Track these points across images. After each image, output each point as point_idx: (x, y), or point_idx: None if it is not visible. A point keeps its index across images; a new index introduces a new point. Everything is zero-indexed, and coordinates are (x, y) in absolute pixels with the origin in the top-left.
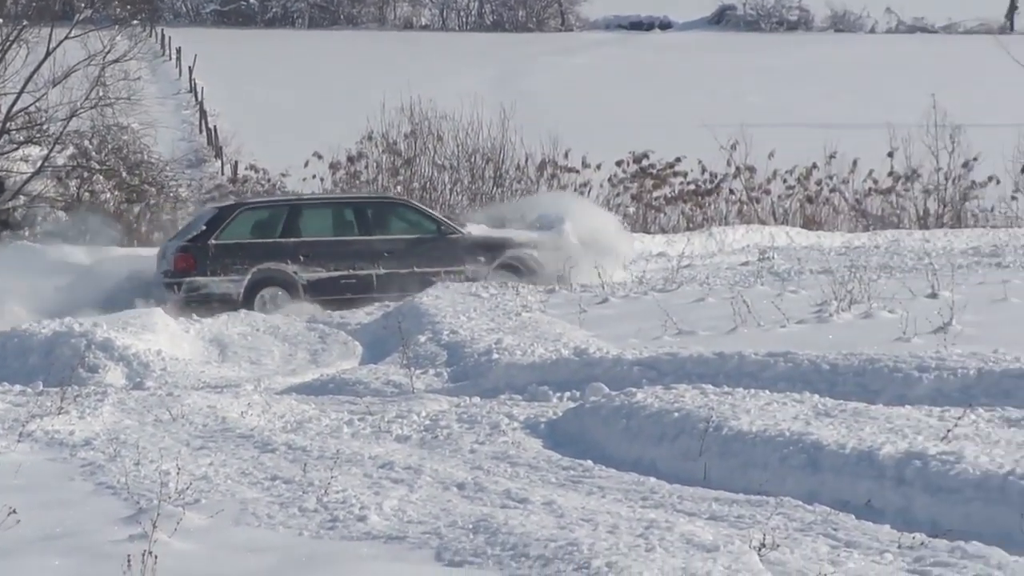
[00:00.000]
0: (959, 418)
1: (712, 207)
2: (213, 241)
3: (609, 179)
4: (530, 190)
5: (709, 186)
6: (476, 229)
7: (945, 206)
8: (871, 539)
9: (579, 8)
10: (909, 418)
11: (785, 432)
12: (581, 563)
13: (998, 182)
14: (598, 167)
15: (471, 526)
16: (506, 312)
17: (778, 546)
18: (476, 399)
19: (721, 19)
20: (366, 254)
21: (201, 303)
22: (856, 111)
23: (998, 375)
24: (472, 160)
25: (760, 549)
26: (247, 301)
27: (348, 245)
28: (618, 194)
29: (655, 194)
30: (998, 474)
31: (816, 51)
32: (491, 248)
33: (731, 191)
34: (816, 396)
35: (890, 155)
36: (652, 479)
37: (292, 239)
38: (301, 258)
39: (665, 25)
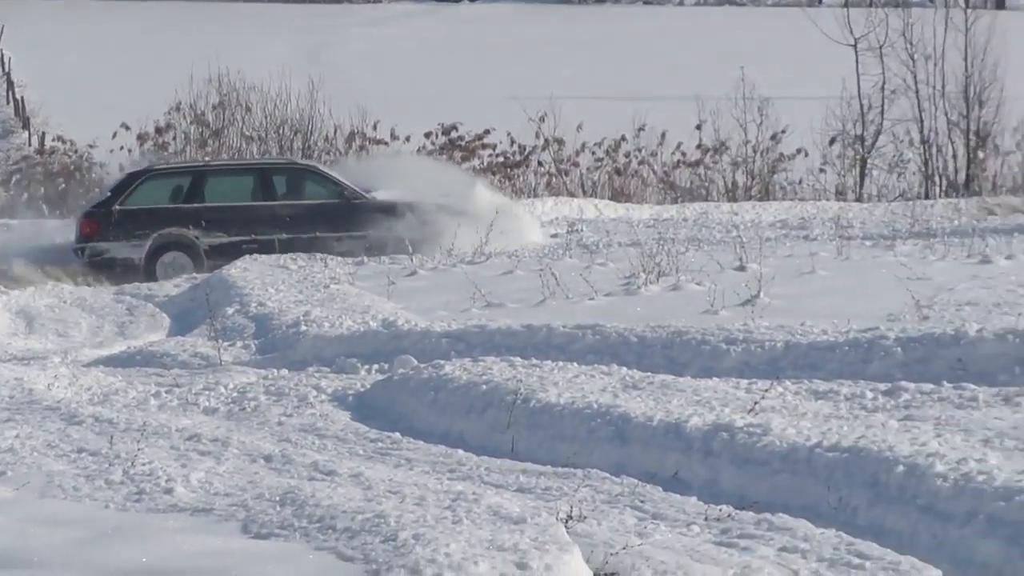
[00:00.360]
0: (766, 390)
1: (521, 179)
2: (117, 207)
3: (418, 151)
4: (339, 161)
5: (518, 158)
6: (382, 194)
7: (753, 178)
8: (678, 511)
9: None
10: (716, 390)
11: (593, 404)
12: (388, 535)
13: (806, 154)
14: (407, 139)
15: (278, 498)
16: (314, 284)
17: (585, 518)
18: (284, 371)
19: None
20: (268, 219)
21: (103, 268)
22: (665, 84)
23: (805, 347)
24: (281, 131)
25: (567, 521)
26: (148, 266)
27: (251, 210)
28: None
29: (464, 166)
30: (805, 446)
31: (626, 24)
32: (395, 212)
33: (540, 163)
34: (624, 368)
35: (698, 128)
36: (460, 451)
37: (195, 204)
38: (203, 223)
39: None
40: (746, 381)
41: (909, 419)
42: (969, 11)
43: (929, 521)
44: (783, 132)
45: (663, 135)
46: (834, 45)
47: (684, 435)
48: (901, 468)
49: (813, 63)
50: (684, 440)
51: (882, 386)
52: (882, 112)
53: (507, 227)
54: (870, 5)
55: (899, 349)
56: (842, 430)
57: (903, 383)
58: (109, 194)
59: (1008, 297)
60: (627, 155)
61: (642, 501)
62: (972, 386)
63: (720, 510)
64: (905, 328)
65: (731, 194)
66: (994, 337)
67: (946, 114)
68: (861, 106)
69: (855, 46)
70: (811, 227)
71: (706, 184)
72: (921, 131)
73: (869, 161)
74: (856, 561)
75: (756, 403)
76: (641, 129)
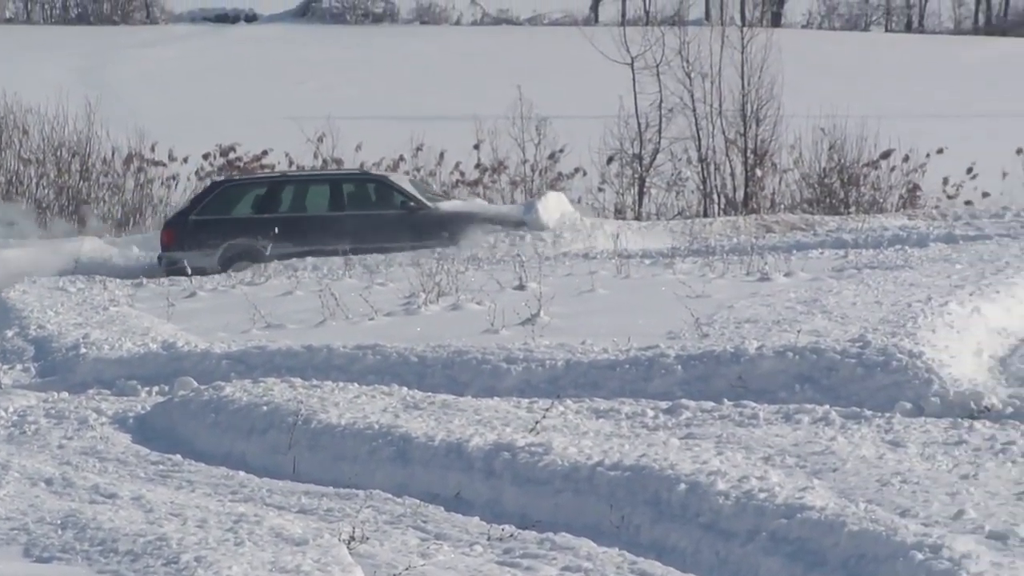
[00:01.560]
0: (547, 409)
1: None
2: (193, 217)
3: (196, 172)
4: (117, 184)
5: None
6: (447, 204)
7: (532, 197)
8: (461, 531)
9: (164, 1)
10: (498, 410)
11: (374, 425)
12: (170, 558)
13: (584, 173)
14: (185, 160)
15: (59, 521)
16: (94, 307)
17: (367, 539)
18: (64, 394)
19: (307, 11)
20: (334, 230)
21: (181, 276)
22: (443, 103)
23: (586, 366)
24: (58, 154)
25: (349, 542)
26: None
27: (318, 221)
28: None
29: None
30: (587, 465)
31: (403, 44)
32: (457, 223)
33: None
34: (405, 389)
35: (476, 147)
36: (242, 473)
37: (265, 215)
38: (273, 234)
39: (251, 18)
40: (527, 400)
41: (690, 437)
42: (745, 29)
43: (712, 539)
44: (561, 151)
45: (442, 154)
46: (611, 64)
47: (466, 455)
48: (683, 486)
49: (591, 82)
50: (466, 460)
51: (663, 404)
52: (660, 130)
53: (573, 235)
54: (647, 24)
55: (680, 367)
56: (624, 448)
57: (684, 401)
58: (187, 204)
59: (787, 314)
60: (406, 174)
61: (424, 521)
62: (753, 403)
63: (503, 530)
64: (685, 346)
65: None
66: (773, 354)
67: (724, 132)
68: (639, 124)
69: (632, 64)
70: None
71: None
72: (699, 149)
73: (647, 180)
74: None
75: (537, 422)
76: (419, 149)
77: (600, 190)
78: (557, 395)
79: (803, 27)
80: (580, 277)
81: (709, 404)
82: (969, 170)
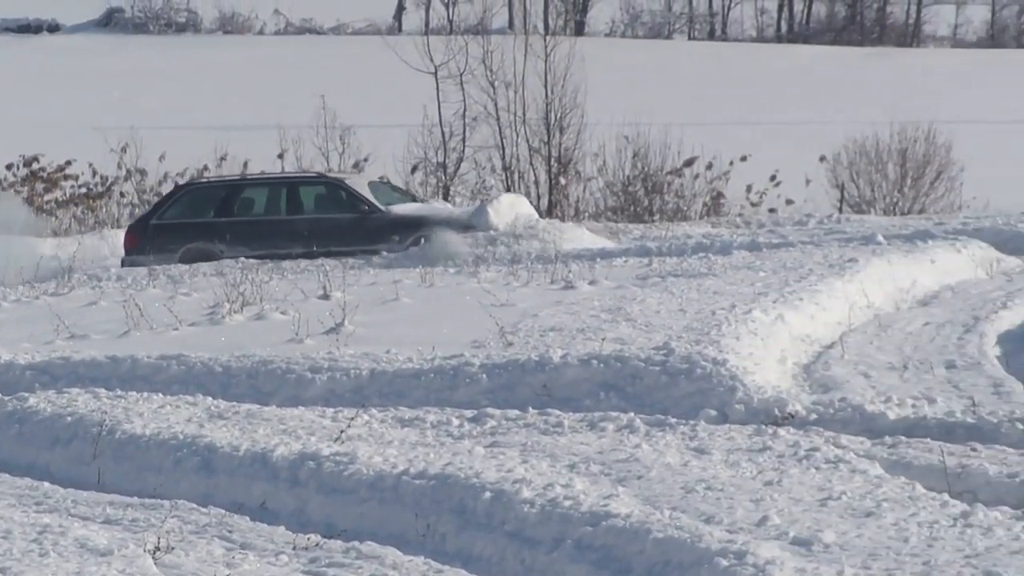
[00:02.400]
0: (352, 419)
1: (104, 210)
2: (154, 221)
3: None
4: None
5: (100, 189)
6: (400, 207)
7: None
8: (266, 541)
9: None
10: (303, 419)
11: (179, 435)
12: None
13: (389, 182)
14: None
15: None
16: None
17: (173, 549)
18: None
19: (109, 21)
20: (288, 234)
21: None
22: (248, 113)
23: (391, 375)
24: None
25: (155, 552)
26: None
27: (272, 225)
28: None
29: (47, 197)
30: (392, 474)
31: (206, 53)
32: (408, 226)
33: (122, 194)
34: (210, 399)
35: (280, 156)
36: (46, 484)
37: (222, 219)
38: (227, 237)
39: (54, 28)
40: (332, 410)
41: (495, 445)
42: (548, 38)
43: (517, 547)
44: (365, 160)
45: (246, 164)
46: (415, 73)
47: (271, 465)
48: (488, 494)
49: (395, 91)
50: (271, 470)
51: (468, 413)
52: (464, 139)
53: (535, 237)
54: (450, 33)
55: (484, 376)
56: (429, 457)
57: (489, 409)
58: (151, 208)
59: (591, 322)
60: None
61: (230, 531)
62: (557, 412)
63: (308, 539)
64: (490, 355)
65: None
66: (578, 363)
67: (527, 140)
68: (443, 133)
69: (436, 74)
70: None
71: None
72: (503, 158)
73: (452, 188)
74: None
75: (342, 431)
76: (223, 158)
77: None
78: (362, 404)
79: (606, 35)
80: (384, 286)
81: (514, 412)
82: (772, 177)
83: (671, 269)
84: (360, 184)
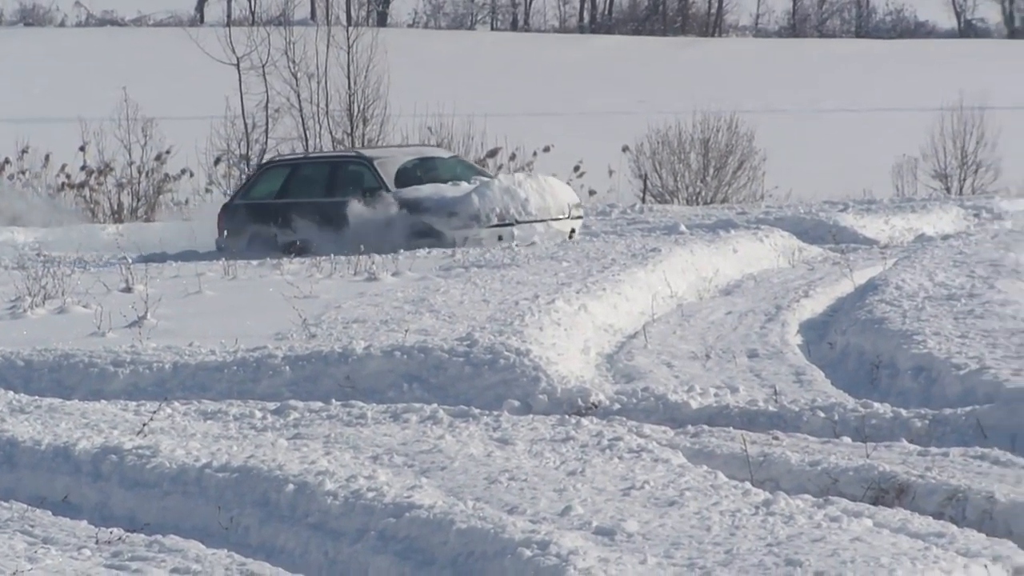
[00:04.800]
0: (155, 412)
1: None
2: (238, 201)
3: None
4: None
5: None
6: (413, 190)
7: (140, 199)
8: (69, 535)
9: None
10: (105, 413)
11: None
12: None
13: (192, 174)
14: None
15: None
16: None
17: None
18: None
19: None
20: (325, 217)
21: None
22: (49, 105)
23: (193, 368)
24: None
25: None
26: None
27: (312, 208)
28: None
29: None
30: (194, 467)
31: (5, 45)
32: (407, 211)
33: None
34: (11, 392)
35: (82, 149)
36: None
37: (279, 200)
38: (280, 220)
39: None
40: (135, 403)
41: (299, 437)
42: (351, 29)
43: (321, 539)
44: (168, 152)
45: (47, 157)
46: (217, 64)
47: (73, 458)
48: (291, 487)
49: (197, 83)
50: (73, 464)
51: (271, 405)
52: (267, 130)
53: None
54: (252, 24)
55: (287, 368)
56: (232, 450)
57: (292, 402)
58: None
59: (395, 314)
60: (11, 177)
61: (32, 526)
62: (361, 403)
63: (111, 533)
64: (293, 347)
65: (117, 215)
66: (381, 354)
67: (331, 132)
68: (246, 125)
69: (238, 65)
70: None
71: (92, 206)
72: (306, 149)
73: None
74: None
75: (145, 425)
76: (25, 151)
77: (208, 191)
78: (165, 397)
79: (409, 26)
80: (187, 279)
81: (317, 404)
82: (576, 168)
83: (474, 260)
84: (388, 163)
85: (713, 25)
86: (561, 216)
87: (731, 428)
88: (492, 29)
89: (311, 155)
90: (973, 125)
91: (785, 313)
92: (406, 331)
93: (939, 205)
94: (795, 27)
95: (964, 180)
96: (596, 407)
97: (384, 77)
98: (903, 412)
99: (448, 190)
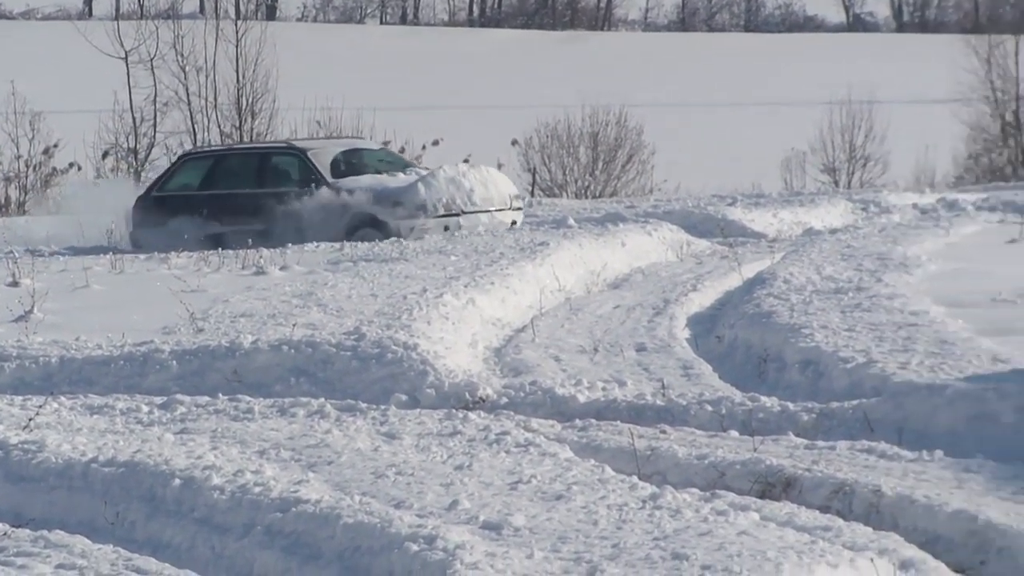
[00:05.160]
0: (41, 406)
1: None
2: (155, 193)
3: None
4: None
5: None
6: (351, 181)
7: (27, 193)
8: None
9: None
10: None
11: None
12: None
13: (79, 168)
14: None
15: None
16: None
17: None
18: None
19: None
20: (250, 209)
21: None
22: None
23: (80, 362)
24: None
25: None
26: None
27: (242, 199)
28: None
29: None
30: (80, 462)
31: None
32: (347, 202)
33: None
34: None
35: None
36: None
37: (202, 192)
38: (205, 212)
39: None
40: (20, 397)
41: (185, 432)
42: (240, 22)
43: (207, 534)
44: (55, 146)
45: None
46: (106, 58)
47: None
48: (178, 482)
49: (86, 76)
50: None
51: (158, 399)
52: (155, 125)
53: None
54: (141, 18)
55: (175, 362)
56: (118, 445)
57: (179, 396)
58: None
59: (283, 308)
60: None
61: None
62: (248, 398)
63: None
64: (180, 341)
65: (4, 209)
66: (269, 348)
67: (219, 126)
68: (134, 119)
69: (126, 59)
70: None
71: None
72: (194, 142)
73: (143, 174)
74: None
75: (31, 419)
76: None
77: (95, 184)
78: (51, 392)
79: (298, 20)
80: (74, 273)
81: (204, 399)
82: (465, 161)
83: (363, 254)
84: (322, 154)
85: (602, 19)
86: (504, 207)
87: (618, 422)
88: (381, 23)
89: (235, 146)
90: (862, 119)
91: (673, 307)
92: (294, 325)
93: (827, 199)
94: (684, 21)
95: (852, 174)
96: (484, 401)
97: (273, 71)
98: (790, 406)
99: (390, 180)
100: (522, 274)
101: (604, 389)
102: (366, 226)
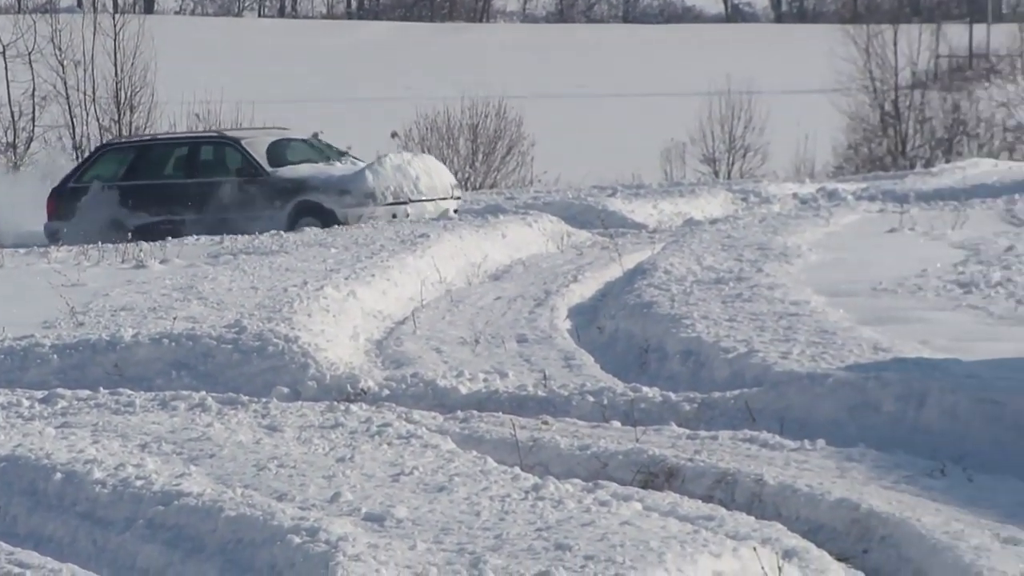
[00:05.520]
0: None
1: None
2: (72, 185)
3: None
4: None
5: None
6: (287, 170)
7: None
8: None
9: None
10: None
11: None
12: None
13: None
14: None
15: None
16: None
17: None
18: None
19: None
20: (183, 198)
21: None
22: None
23: None
24: None
25: None
26: None
27: (169, 189)
28: None
29: None
30: None
31: None
32: (289, 191)
33: None
34: None
35: None
36: None
37: (128, 182)
38: (130, 203)
39: None
40: None
41: (67, 426)
42: (118, 16)
43: (89, 527)
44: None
45: None
46: None
47: None
48: (59, 475)
49: None
50: None
51: (39, 394)
52: (33, 119)
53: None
54: (19, 11)
55: (55, 356)
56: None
57: (60, 390)
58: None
59: (163, 301)
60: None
61: None
62: (129, 391)
63: None
64: (61, 335)
65: None
66: (149, 341)
67: (98, 120)
68: (12, 113)
69: (3, 53)
70: None
71: None
72: (73, 137)
73: (23, 168)
74: (16, 571)
75: None
76: None
77: None
78: None
79: (176, 13)
80: None
81: (85, 393)
82: (348, 149)
83: (243, 247)
84: (257, 143)
85: (481, 11)
86: (446, 196)
87: (500, 413)
88: (259, 16)
89: (160, 136)
90: (741, 109)
91: (554, 298)
92: (174, 318)
93: (707, 189)
94: (563, 12)
95: (732, 164)
96: (365, 393)
97: (151, 64)
98: (672, 396)
99: (333, 169)
100: (403, 266)
101: (486, 380)
102: (310, 214)
